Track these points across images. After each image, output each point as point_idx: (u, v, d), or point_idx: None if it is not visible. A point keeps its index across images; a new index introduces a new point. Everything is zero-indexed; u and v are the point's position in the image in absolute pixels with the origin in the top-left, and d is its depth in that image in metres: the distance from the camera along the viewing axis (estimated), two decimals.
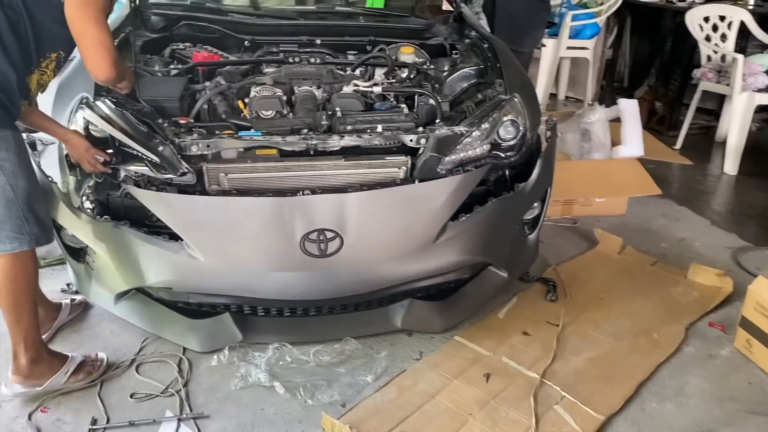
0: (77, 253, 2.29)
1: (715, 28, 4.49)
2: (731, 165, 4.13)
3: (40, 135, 2.19)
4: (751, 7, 4.63)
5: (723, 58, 4.39)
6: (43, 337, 2.25)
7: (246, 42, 2.82)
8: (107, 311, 2.34)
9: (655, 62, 5.63)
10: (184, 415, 1.94)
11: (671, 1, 5.03)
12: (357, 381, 2.10)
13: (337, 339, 2.26)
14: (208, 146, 2.04)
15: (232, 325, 2.21)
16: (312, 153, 2.13)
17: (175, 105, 2.23)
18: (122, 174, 2.08)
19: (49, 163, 2.21)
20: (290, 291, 2.07)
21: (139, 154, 2.01)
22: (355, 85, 2.47)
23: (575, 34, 5.17)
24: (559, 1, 5.23)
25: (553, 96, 5.78)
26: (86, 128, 2.09)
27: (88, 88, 2.10)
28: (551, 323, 2.43)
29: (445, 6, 3.34)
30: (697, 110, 4.60)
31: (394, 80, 2.61)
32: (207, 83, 2.44)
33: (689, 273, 2.76)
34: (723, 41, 4.49)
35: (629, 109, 3.67)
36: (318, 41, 2.85)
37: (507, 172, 2.38)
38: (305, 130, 2.18)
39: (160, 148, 2.00)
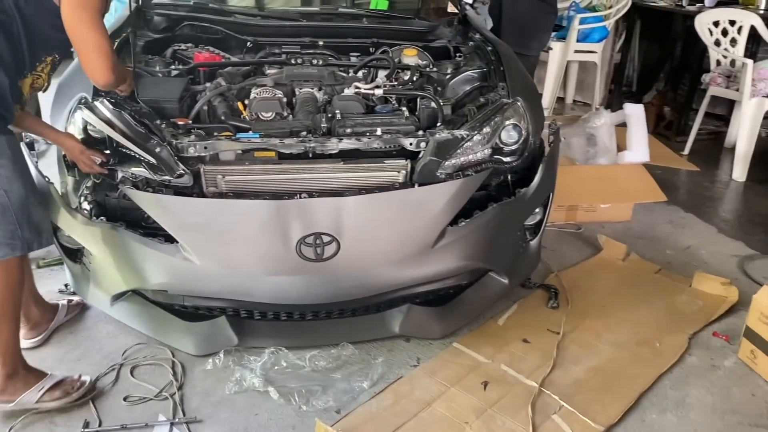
0: (74, 254, 2.28)
1: (725, 32, 4.44)
2: (740, 171, 4.07)
3: None
4: (762, 12, 4.57)
5: (733, 62, 4.34)
6: (39, 337, 2.26)
7: (248, 43, 2.82)
8: (104, 313, 2.33)
9: (664, 66, 5.58)
10: (177, 420, 1.93)
11: (681, 4, 4.98)
12: (353, 387, 2.08)
13: (334, 344, 2.23)
14: (205, 148, 2.03)
15: (228, 329, 2.19)
16: (311, 156, 2.11)
17: (174, 106, 2.22)
18: (120, 175, 2.07)
19: (49, 164, 2.21)
20: (286, 295, 2.05)
21: (136, 156, 2.01)
22: (357, 87, 2.45)
23: (583, 37, 5.12)
24: (567, 4, 5.19)
25: (560, 100, 5.74)
26: (84, 129, 2.08)
27: (86, 88, 2.10)
28: (552, 331, 2.40)
29: (450, 8, 3.31)
30: (706, 115, 4.55)
31: (396, 83, 2.58)
32: (208, 84, 2.43)
33: (694, 281, 2.72)
34: (733, 46, 4.44)
35: (635, 114, 3.63)
36: (321, 43, 2.83)
37: (509, 177, 2.35)
38: (304, 133, 2.16)
39: (157, 150, 1.99)
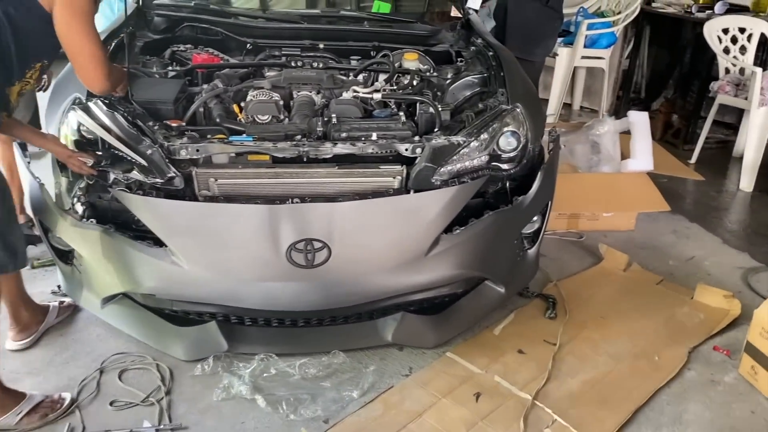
0: (65, 256, 2.26)
1: (734, 40, 4.37)
2: (747, 181, 4.01)
3: None
4: None
5: (742, 71, 4.27)
6: (29, 339, 2.24)
7: (248, 45, 2.79)
8: (96, 315, 2.31)
9: (673, 74, 5.51)
10: (162, 426, 1.90)
11: (690, 11, 4.92)
12: (342, 396, 2.04)
13: (325, 352, 2.20)
14: (197, 150, 2.01)
15: (218, 335, 2.16)
16: (305, 160, 2.08)
17: (169, 107, 2.20)
18: (112, 177, 2.05)
19: (44, 165, 2.19)
20: (275, 301, 2.02)
21: (128, 157, 1.98)
22: (355, 91, 2.42)
23: (591, 43, 5.06)
24: (575, 9, 5.13)
25: (567, 106, 5.69)
26: (78, 129, 2.06)
27: (80, 88, 2.08)
28: (548, 342, 2.35)
29: (454, 12, 3.27)
30: (715, 124, 4.48)
31: (395, 87, 2.55)
32: (205, 86, 2.41)
33: (696, 293, 2.66)
34: (742, 54, 4.37)
35: (639, 121, 3.56)
36: (321, 45, 2.80)
37: (507, 184, 2.31)
38: (299, 137, 2.13)
39: (148, 152, 1.97)
